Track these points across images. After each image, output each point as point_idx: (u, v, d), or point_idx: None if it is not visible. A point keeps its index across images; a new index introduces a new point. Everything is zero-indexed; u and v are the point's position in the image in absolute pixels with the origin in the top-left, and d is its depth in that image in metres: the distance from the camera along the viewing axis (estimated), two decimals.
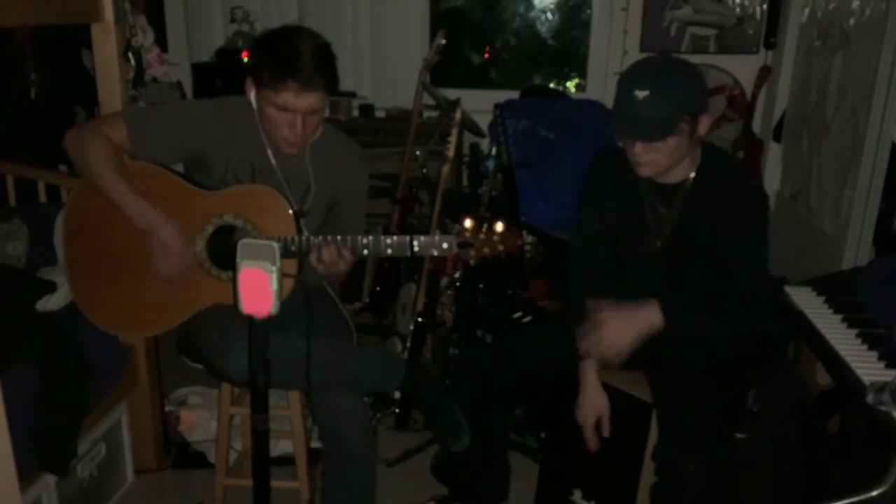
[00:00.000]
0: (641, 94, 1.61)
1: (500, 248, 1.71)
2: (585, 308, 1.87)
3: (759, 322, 1.82)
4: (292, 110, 1.73)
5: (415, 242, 1.70)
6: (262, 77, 1.73)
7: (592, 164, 1.95)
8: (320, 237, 1.74)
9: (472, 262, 1.72)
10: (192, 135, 1.85)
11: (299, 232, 1.79)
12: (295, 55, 1.68)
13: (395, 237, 1.73)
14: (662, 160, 1.70)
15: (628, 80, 1.66)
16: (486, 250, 1.71)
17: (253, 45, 1.79)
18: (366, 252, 1.73)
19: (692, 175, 1.78)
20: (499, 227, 1.70)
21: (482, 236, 1.70)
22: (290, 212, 1.80)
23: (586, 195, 1.96)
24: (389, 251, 1.74)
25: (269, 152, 1.84)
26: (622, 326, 1.75)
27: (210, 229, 1.85)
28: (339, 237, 1.73)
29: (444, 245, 1.71)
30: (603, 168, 1.91)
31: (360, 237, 1.73)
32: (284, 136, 1.78)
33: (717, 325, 1.78)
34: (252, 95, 1.80)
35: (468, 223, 1.70)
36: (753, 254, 1.78)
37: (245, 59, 3.47)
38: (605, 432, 1.84)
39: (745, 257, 1.76)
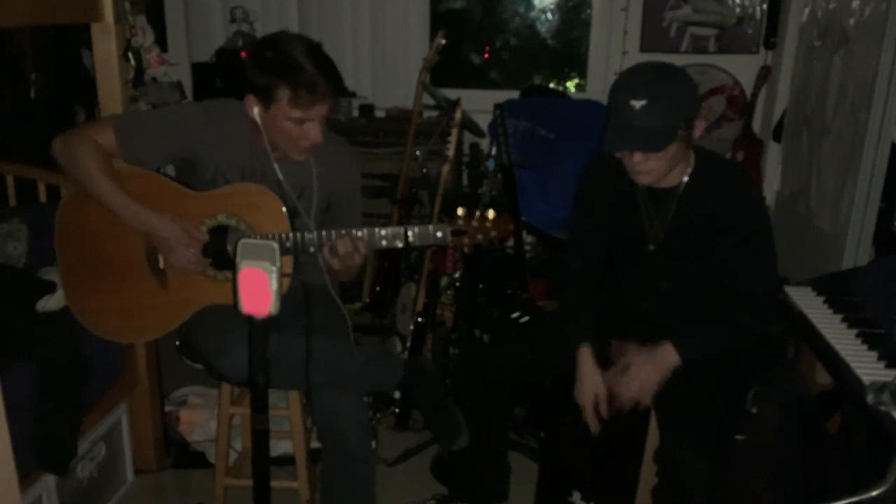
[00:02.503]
0: (638, 104, 1.60)
1: (493, 234, 1.74)
2: (581, 318, 1.89)
3: (761, 324, 1.82)
4: (310, 120, 1.75)
5: (409, 232, 1.72)
6: (275, 96, 1.72)
7: (586, 167, 1.95)
8: (315, 233, 1.75)
9: (466, 249, 1.75)
10: (180, 139, 1.84)
11: (294, 229, 1.79)
12: (302, 68, 1.69)
13: (389, 228, 1.74)
14: (661, 168, 1.70)
15: (622, 90, 1.65)
16: (479, 237, 1.73)
17: (248, 62, 1.77)
18: (384, 243, 1.74)
19: (685, 179, 1.78)
20: (490, 213, 1.73)
21: (475, 224, 1.72)
22: (283, 208, 1.80)
23: (580, 199, 1.96)
24: (384, 242, 1.75)
25: (273, 159, 1.83)
26: (647, 371, 1.77)
27: (204, 229, 1.85)
28: (333, 231, 1.74)
29: (439, 234, 1.72)
30: (597, 172, 1.91)
31: (354, 230, 1.74)
32: (302, 145, 1.79)
33: (726, 339, 1.78)
34: (255, 112, 1.77)
35: (460, 211, 1.72)
36: (759, 256, 1.78)
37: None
38: (604, 413, 1.84)
39: (751, 261, 1.76)
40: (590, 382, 1.85)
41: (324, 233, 1.75)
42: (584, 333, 1.88)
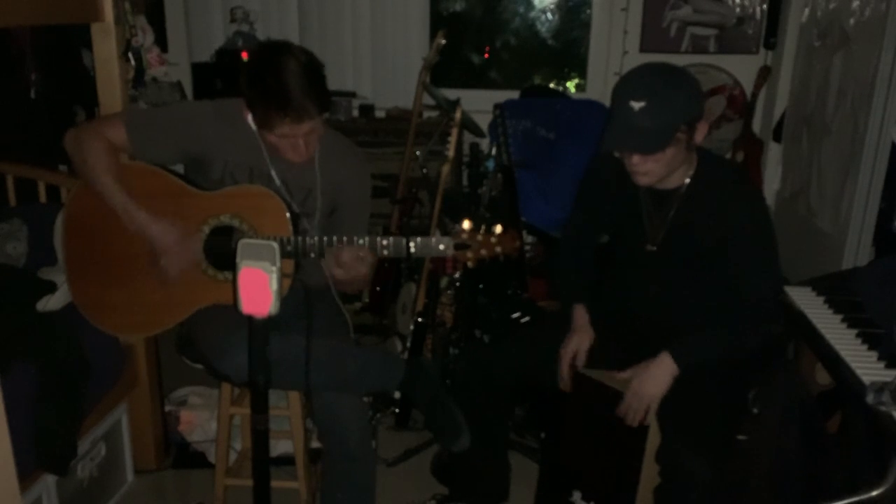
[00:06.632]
0: (637, 105, 1.60)
1: (498, 249, 1.71)
2: (574, 280, 1.95)
3: (764, 327, 1.81)
4: (294, 136, 1.75)
5: (411, 244, 1.71)
6: (256, 113, 1.75)
7: (589, 167, 1.95)
8: (316, 237, 1.74)
9: (469, 263, 1.72)
10: (190, 137, 1.85)
11: (296, 233, 1.79)
12: (283, 90, 1.67)
13: (391, 238, 1.73)
14: (660, 170, 1.70)
15: (623, 90, 1.64)
16: (483, 252, 1.70)
17: (241, 75, 1.76)
18: (385, 252, 1.72)
19: (687, 181, 1.78)
20: (497, 229, 1.70)
21: (480, 238, 1.69)
22: (287, 212, 1.80)
23: (582, 198, 1.96)
24: (386, 252, 1.74)
25: (269, 160, 1.85)
26: (650, 383, 1.75)
27: (207, 230, 1.85)
28: (335, 237, 1.73)
29: (441, 247, 1.70)
30: (600, 172, 1.91)
31: (356, 237, 1.73)
32: (290, 156, 1.81)
33: (726, 348, 1.77)
34: (249, 118, 1.81)
35: (466, 225, 1.69)
36: (762, 263, 1.78)
37: (245, 60, 3.47)
38: (580, 365, 1.88)
39: (753, 267, 1.76)
40: (577, 337, 1.89)
41: (325, 238, 1.75)
42: (578, 294, 1.93)
